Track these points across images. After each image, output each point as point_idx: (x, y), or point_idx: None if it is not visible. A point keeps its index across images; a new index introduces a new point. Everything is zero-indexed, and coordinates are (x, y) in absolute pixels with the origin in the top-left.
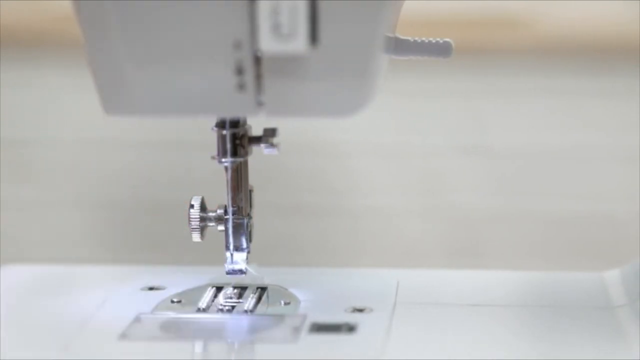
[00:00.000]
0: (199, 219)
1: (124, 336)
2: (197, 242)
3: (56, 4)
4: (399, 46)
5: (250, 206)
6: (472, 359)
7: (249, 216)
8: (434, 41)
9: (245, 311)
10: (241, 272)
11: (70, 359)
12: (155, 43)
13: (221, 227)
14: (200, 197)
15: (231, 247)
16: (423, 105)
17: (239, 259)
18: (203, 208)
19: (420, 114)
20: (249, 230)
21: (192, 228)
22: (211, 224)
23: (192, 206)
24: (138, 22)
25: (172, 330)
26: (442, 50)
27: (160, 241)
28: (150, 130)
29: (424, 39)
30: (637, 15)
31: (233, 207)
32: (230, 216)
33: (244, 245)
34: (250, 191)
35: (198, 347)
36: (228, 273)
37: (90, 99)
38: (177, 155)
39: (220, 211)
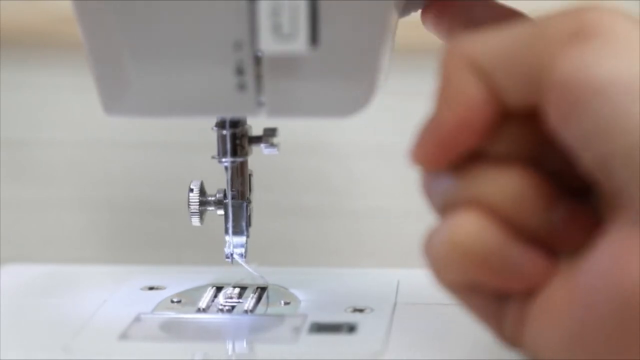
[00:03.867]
0: (198, 203)
1: (124, 336)
2: (198, 242)
3: (56, 4)
4: (406, 6)
5: (250, 190)
6: (472, 359)
7: (249, 200)
8: None
9: (246, 311)
10: (241, 256)
11: (70, 359)
12: (155, 43)
13: (220, 212)
14: (200, 181)
15: (230, 231)
16: (423, 105)
17: (239, 243)
18: (202, 192)
19: (421, 114)
20: (248, 214)
21: (192, 212)
22: (210, 208)
23: (191, 190)
24: (138, 22)
25: (172, 330)
26: None
27: (160, 241)
28: (150, 130)
29: None
30: (637, 15)
31: (233, 191)
32: (229, 200)
33: (244, 229)
34: (250, 175)
35: (198, 347)
36: (227, 257)
37: (90, 99)
38: (177, 155)
39: (219, 195)
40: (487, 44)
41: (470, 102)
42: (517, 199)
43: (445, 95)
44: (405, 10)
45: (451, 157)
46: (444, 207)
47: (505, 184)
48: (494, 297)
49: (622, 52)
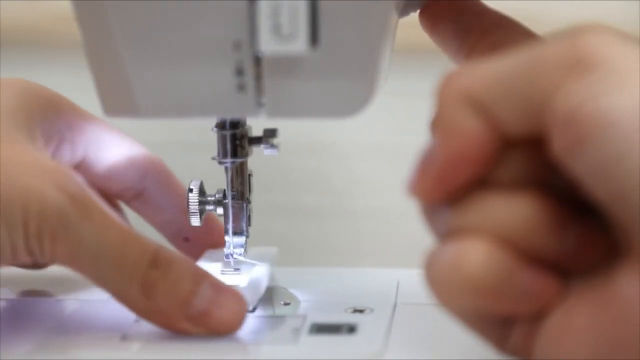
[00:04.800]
0: (197, 203)
1: (124, 336)
2: None
3: (56, 3)
4: (405, 6)
5: (249, 190)
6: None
7: (248, 200)
8: None
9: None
10: (240, 255)
11: (70, 359)
12: (154, 44)
13: (220, 212)
14: (200, 181)
15: (230, 231)
16: (423, 105)
17: (238, 244)
18: (202, 192)
19: (421, 114)
20: (248, 214)
21: (191, 212)
22: (210, 207)
23: (190, 190)
24: (137, 23)
25: None
26: None
27: (161, 241)
28: (150, 131)
29: None
30: (637, 15)
31: (232, 192)
32: (229, 201)
33: (244, 229)
34: (249, 175)
35: (198, 347)
36: (227, 257)
37: (90, 99)
38: (177, 155)
39: (219, 195)
40: (483, 75)
41: (466, 135)
42: (527, 225)
43: (440, 129)
44: (404, 11)
45: (450, 189)
46: (447, 235)
47: (513, 211)
48: (497, 318)
49: (624, 83)
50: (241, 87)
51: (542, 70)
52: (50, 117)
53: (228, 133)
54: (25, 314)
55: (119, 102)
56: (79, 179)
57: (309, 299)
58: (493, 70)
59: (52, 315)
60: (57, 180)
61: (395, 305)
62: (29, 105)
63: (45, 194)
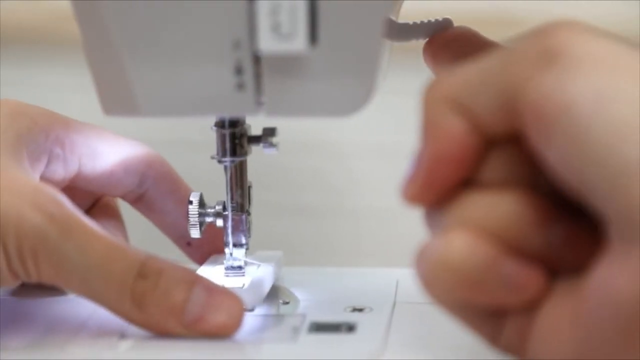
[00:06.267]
0: (197, 215)
1: (123, 336)
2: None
3: (57, 2)
4: (401, 30)
5: (249, 202)
6: (472, 359)
7: (248, 212)
8: (433, 20)
9: (245, 311)
10: (240, 268)
11: (69, 359)
12: (153, 43)
13: (220, 223)
14: (199, 193)
15: (230, 244)
16: None
17: (238, 256)
18: (202, 204)
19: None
20: (247, 227)
21: (191, 224)
22: (209, 219)
23: (190, 202)
24: (136, 22)
25: None
26: (443, 28)
27: (161, 241)
28: (150, 130)
29: (423, 20)
30: (637, 15)
31: (232, 204)
32: (229, 213)
33: (243, 241)
34: (249, 187)
35: (198, 347)
36: (227, 269)
37: (90, 97)
38: (176, 154)
39: (219, 207)
40: (463, 76)
41: (448, 135)
42: (511, 220)
43: (425, 133)
44: (405, 36)
45: (439, 191)
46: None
47: (498, 207)
48: (488, 313)
49: (584, 70)
50: (240, 86)
51: (514, 64)
52: (37, 137)
53: (227, 132)
54: (23, 312)
55: (119, 101)
56: (60, 197)
57: (308, 298)
58: (470, 71)
59: (50, 313)
60: (35, 200)
61: (394, 305)
62: (16, 126)
63: (22, 214)
